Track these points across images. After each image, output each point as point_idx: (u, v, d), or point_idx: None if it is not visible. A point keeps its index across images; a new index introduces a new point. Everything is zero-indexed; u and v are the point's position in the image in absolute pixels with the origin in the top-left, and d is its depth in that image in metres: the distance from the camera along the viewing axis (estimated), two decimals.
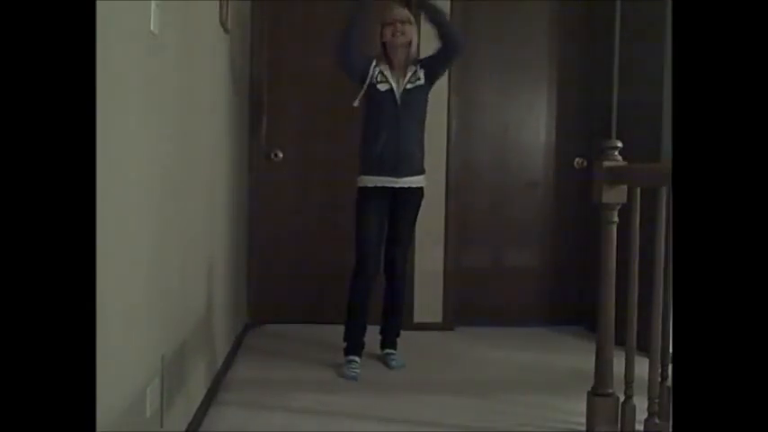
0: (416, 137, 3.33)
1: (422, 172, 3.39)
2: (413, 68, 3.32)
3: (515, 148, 4.38)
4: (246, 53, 3.96)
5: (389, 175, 3.30)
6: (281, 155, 4.20)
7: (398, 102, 3.27)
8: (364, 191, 3.34)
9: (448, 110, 4.19)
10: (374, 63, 3.30)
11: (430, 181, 4.14)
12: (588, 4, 4.31)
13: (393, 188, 3.32)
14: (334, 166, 4.18)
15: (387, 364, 3.45)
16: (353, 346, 3.37)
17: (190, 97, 2.36)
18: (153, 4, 1.82)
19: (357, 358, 3.34)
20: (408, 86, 3.29)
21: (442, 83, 4.13)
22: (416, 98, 3.32)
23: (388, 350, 3.50)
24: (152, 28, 1.82)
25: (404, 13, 3.35)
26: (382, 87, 3.28)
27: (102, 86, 1.38)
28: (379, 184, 3.31)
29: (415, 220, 3.48)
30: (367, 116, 3.34)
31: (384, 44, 3.33)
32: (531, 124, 4.38)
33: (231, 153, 3.40)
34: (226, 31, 3.05)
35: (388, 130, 3.26)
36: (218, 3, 2.86)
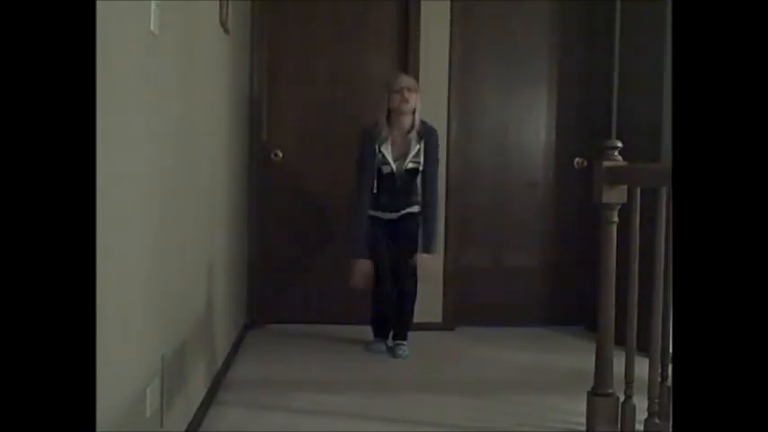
0: (411, 191, 3.66)
1: (418, 203, 3.68)
2: (416, 147, 3.57)
3: (515, 148, 4.38)
4: (246, 53, 3.96)
5: (389, 212, 3.65)
6: (280, 155, 4.20)
7: (398, 181, 3.60)
8: (370, 220, 3.64)
9: (448, 110, 4.19)
10: (377, 147, 3.56)
11: None
12: (588, 4, 4.31)
13: (391, 219, 3.66)
14: (334, 166, 4.18)
15: (393, 353, 3.63)
16: (379, 331, 3.77)
17: (190, 97, 2.36)
18: (153, 4, 1.82)
19: (383, 338, 3.75)
20: (409, 166, 3.58)
21: (442, 83, 4.16)
22: (414, 174, 3.61)
23: (398, 341, 3.70)
24: (152, 28, 1.82)
25: (410, 81, 3.64)
26: (385, 170, 3.58)
27: (102, 86, 1.38)
28: (378, 215, 3.65)
29: (416, 233, 3.69)
30: (365, 177, 3.58)
31: (389, 109, 3.58)
32: (531, 124, 4.38)
33: (231, 153, 3.41)
34: (226, 31, 3.05)
35: (387, 194, 3.61)
36: (218, 3, 2.86)
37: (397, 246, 3.66)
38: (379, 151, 3.57)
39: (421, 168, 3.59)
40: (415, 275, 3.68)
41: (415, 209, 3.69)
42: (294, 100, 4.22)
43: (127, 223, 1.67)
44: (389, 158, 3.57)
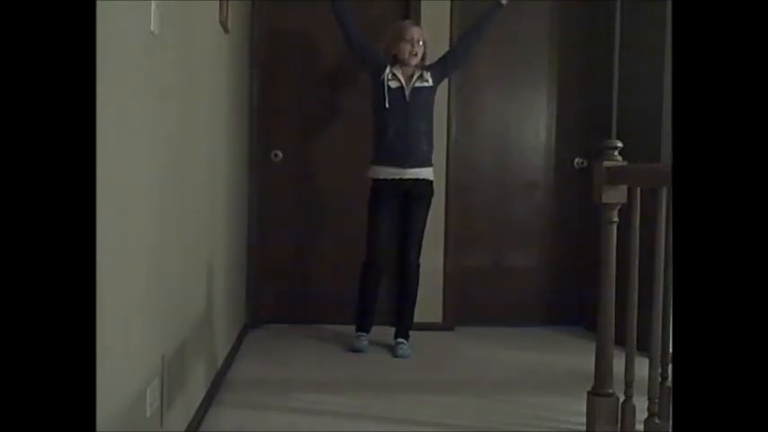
0: (423, 131, 3.58)
1: (429, 164, 3.63)
2: (419, 72, 3.60)
3: (515, 148, 4.38)
4: (246, 53, 3.96)
5: (397, 166, 3.55)
6: (280, 155, 4.20)
7: (407, 98, 3.54)
8: (375, 187, 3.62)
9: (448, 110, 4.19)
10: (388, 66, 3.58)
11: None
12: (588, 4, 4.31)
13: (401, 181, 3.57)
14: (334, 166, 4.18)
15: (394, 352, 3.62)
16: (362, 325, 3.71)
17: (190, 97, 2.36)
18: (153, 4, 1.82)
19: (365, 334, 3.70)
20: (417, 85, 3.56)
21: (442, 83, 4.15)
22: (423, 96, 3.58)
23: (399, 339, 3.69)
24: (152, 28, 1.82)
25: (421, 32, 3.65)
26: (393, 84, 3.55)
27: (102, 86, 1.38)
28: (388, 177, 3.57)
29: (426, 215, 3.70)
30: (377, 111, 3.62)
31: (395, 56, 3.60)
32: (531, 124, 4.38)
33: (231, 153, 3.41)
34: (226, 31, 3.05)
35: (397, 123, 3.53)
36: (218, 3, 2.86)
37: (406, 230, 3.63)
38: (389, 68, 3.56)
39: (430, 84, 3.56)
40: (417, 273, 3.69)
41: (430, 173, 3.62)
42: (294, 100, 4.22)
43: (127, 223, 1.67)
44: (398, 75, 3.55)
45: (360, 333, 3.70)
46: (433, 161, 3.67)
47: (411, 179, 3.58)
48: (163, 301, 2.03)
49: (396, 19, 3.95)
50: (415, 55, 3.57)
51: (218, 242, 3.04)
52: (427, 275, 4.18)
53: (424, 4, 4.14)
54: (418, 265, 3.72)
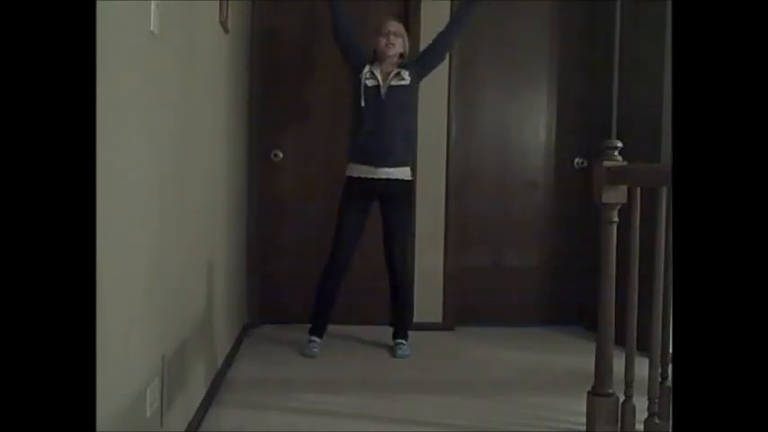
0: (399, 131, 3.55)
1: (403, 164, 3.58)
2: (397, 71, 3.56)
3: (515, 148, 4.38)
4: (246, 53, 3.96)
5: (370, 165, 3.53)
6: (281, 155, 4.20)
7: (383, 97, 3.51)
8: (348, 183, 3.60)
9: (448, 110, 4.19)
10: (368, 64, 3.57)
11: (430, 181, 4.17)
12: (588, 4, 4.31)
13: (374, 180, 3.54)
14: (334, 166, 4.18)
15: (393, 353, 3.62)
16: (315, 328, 3.67)
17: (190, 97, 2.36)
18: (153, 4, 1.82)
19: (318, 339, 3.64)
20: (393, 83, 3.53)
21: (442, 83, 4.16)
22: (400, 95, 3.55)
23: (398, 340, 3.68)
24: (152, 28, 1.82)
25: (398, 26, 3.64)
26: (370, 83, 3.53)
27: (102, 86, 1.38)
28: (361, 175, 3.55)
29: (406, 216, 3.67)
30: (353, 109, 3.61)
31: (375, 51, 3.61)
32: (531, 124, 4.38)
33: (231, 153, 3.41)
34: (226, 31, 3.05)
35: (371, 122, 3.51)
36: (218, 3, 2.86)
37: (385, 227, 3.60)
38: (368, 66, 3.55)
39: (408, 82, 3.53)
40: (404, 272, 3.67)
41: (405, 173, 3.57)
42: (294, 100, 4.22)
43: (127, 223, 1.67)
44: (376, 74, 3.54)
45: (312, 338, 3.63)
46: (409, 161, 3.62)
47: (383, 179, 3.54)
48: (163, 301, 2.03)
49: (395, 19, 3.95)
50: (393, 45, 3.54)
51: (218, 242, 3.04)
52: (427, 275, 4.20)
53: (423, 4, 4.14)
54: (405, 264, 3.68)
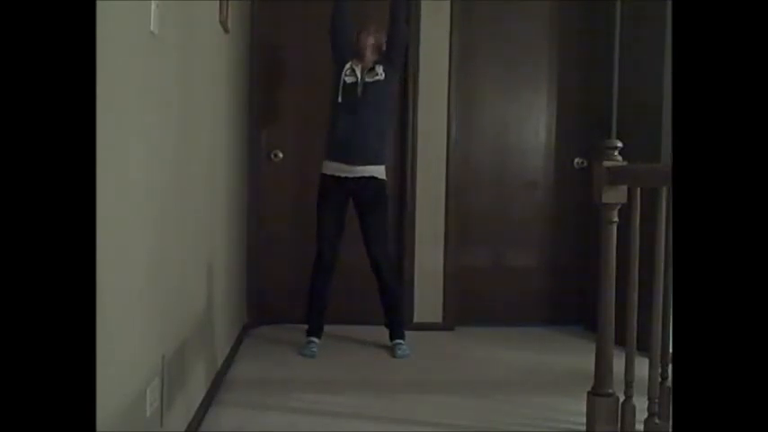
0: (374, 128, 3.59)
1: (378, 162, 3.60)
2: (371, 66, 3.62)
3: (515, 148, 4.38)
4: (246, 53, 3.96)
5: (344, 163, 3.56)
6: (281, 155, 4.20)
7: (359, 93, 3.56)
8: (323, 181, 3.62)
9: (448, 110, 4.19)
10: (349, 62, 3.62)
11: (430, 180, 4.17)
12: (588, 4, 4.31)
13: (347, 179, 3.56)
14: None
15: (393, 353, 3.61)
16: (312, 329, 3.68)
17: (190, 97, 2.36)
18: (153, 4, 1.81)
19: (316, 339, 3.66)
20: (368, 80, 3.58)
21: (442, 83, 4.16)
22: (376, 92, 3.58)
23: (396, 340, 3.67)
24: (152, 28, 1.82)
25: (375, 25, 3.68)
26: (348, 80, 3.59)
27: (102, 86, 1.38)
28: (336, 173, 3.58)
29: (382, 217, 3.64)
30: (331, 105, 3.64)
31: (357, 46, 3.67)
32: (531, 124, 4.38)
33: (231, 153, 3.41)
34: (226, 31, 3.05)
35: (347, 118, 3.55)
36: (218, 3, 2.86)
37: (362, 227, 3.60)
38: (350, 64, 3.60)
39: (382, 77, 3.57)
40: (387, 270, 3.64)
41: (379, 171, 3.58)
42: (294, 100, 4.22)
43: (127, 223, 1.67)
44: (356, 71, 3.59)
45: (310, 339, 3.65)
46: (382, 160, 3.61)
47: (356, 177, 3.55)
48: (163, 301, 2.03)
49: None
50: (368, 35, 3.62)
51: (218, 242, 3.04)
52: (427, 275, 4.20)
53: (423, 5, 4.14)
54: (390, 265, 3.68)
